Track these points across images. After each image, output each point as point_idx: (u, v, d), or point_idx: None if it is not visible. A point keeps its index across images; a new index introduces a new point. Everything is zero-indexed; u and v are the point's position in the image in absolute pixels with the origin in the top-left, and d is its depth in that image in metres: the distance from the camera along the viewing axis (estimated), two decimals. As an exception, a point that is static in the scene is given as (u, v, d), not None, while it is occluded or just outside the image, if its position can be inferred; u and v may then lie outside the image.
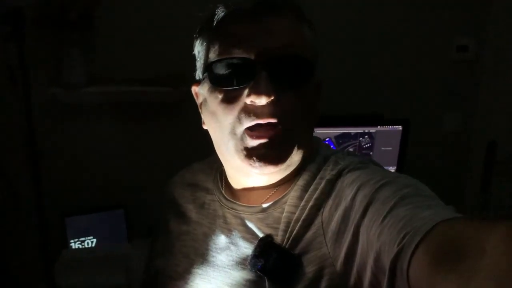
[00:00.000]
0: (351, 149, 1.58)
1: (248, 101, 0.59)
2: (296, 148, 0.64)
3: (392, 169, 1.63)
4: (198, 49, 0.67)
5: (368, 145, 1.59)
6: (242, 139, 0.61)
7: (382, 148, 1.60)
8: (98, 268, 1.40)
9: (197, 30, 0.67)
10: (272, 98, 0.58)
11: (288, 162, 0.63)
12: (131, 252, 1.41)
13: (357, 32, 1.67)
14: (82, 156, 1.58)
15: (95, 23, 1.38)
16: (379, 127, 1.58)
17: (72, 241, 1.55)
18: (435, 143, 1.83)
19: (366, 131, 1.57)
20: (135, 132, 1.58)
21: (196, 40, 0.68)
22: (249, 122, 0.60)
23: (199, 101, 0.71)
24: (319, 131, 1.54)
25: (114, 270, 1.36)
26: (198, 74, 0.69)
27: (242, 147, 0.61)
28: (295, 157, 0.64)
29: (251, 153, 0.61)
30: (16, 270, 1.57)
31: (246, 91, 0.60)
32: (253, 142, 0.60)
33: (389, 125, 1.59)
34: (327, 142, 1.56)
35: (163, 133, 1.61)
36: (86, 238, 1.57)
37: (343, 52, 1.66)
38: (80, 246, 1.56)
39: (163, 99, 1.53)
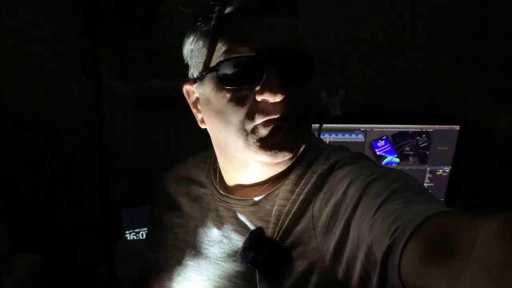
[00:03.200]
0: (407, 148, 1.56)
1: (259, 99, 0.59)
2: (304, 136, 0.66)
3: (447, 169, 1.60)
4: (191, 47, 0.66)
5: (425, 144, 1.56)
6: (253, 133, 0.61)
7: (439, 148, 1.57)
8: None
9: (190, 28, 0.66)
10: (285, 95, 0.59)
11: (295, 150, 0.64)
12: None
13: (418, 30, 1.63)
14: (139, 148, 1.60)
15: (159, 17, 1.38)
16: (436, 126, 1.55)
17: (127, 232, 1.58)
18: (490, 143, 1.79)
19: (424, 130, 1.55)
20: (192, 126, 1.59)
21: (188, 38, 0.67)
22: (261, 119, 0.60)
23: (191, 100, 0.71)
24: (376, 129, 1.53)
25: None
26: (192, 73, 0.68)
27: (254, 140, 0.61)
28: (299, 148, 0.66)
29: (264, 143, 0.61)
30: (79, 258, 1.61)
31: (256, 89, 0.60)
32: (265, 130, 0.60)
33: (447, 124, 1.56)
34: (383, 141, 1.54)
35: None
36: (141, 229, 1.60)
37: (403, 50, 1.63)
38: (135, 237, 1.59)
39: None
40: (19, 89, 1.53)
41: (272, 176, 0.68)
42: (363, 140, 1.53)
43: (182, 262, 0.71)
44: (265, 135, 0.61)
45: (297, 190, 0.64)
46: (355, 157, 0.66)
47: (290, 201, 0.64)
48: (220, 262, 0.67)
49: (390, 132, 1.54)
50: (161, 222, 0.79)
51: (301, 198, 0.63)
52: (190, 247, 0.72)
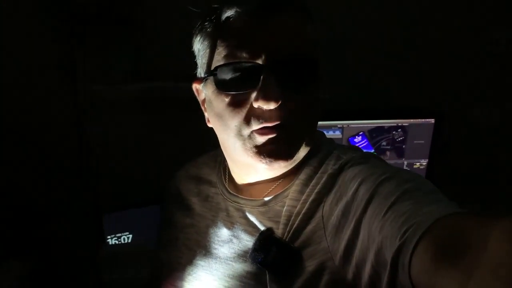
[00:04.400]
0: (384, 143, 1.59)
1: (255, 105, 0.59)
2: (302, 143, 0.65)
3: (424, 162, 1.63)
4: (198, 47, 0.67)
5: (401, 138, 1.59)
6: (250, 138, 0.61)
7: (415, 142, 1.60)
8: (136, 263, 1.42)
9: (197, 27, 0.66)
10: (280, 102, 0.58)
11: (295, 157, 0.64)
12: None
13: (390, 24, 1.66)
14: (120, 151, 1.59)
15: (140, 19, 1.37)
16: (412, 120, 1.58)
17: (109, 237, 1.57)
18: (467, 136, 1.82)
19: (399, 124, 1.57)
20: (176, 128, 1.59)
21: (196, 37, 0.67)
22: (257, 125, 0.60)
23: (200, 98, 0.72)
24: (353, 125, 1.55)
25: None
26: (200, 72, 0.69)
27: (250, 146, 0.62)
28: (301, 152, 0.66)
29: (260, 150, 0.61)
30: (64, 264, 1.59)
31: (253, 95, 0.59)
32: (262, 139, 0.60)
33: (422, 118, 1.59)
34: (360, 136, 1.57)
35: (204, 130, 1.61)
36: (122, 234, 1.59)
37: (376, 45, 1.66)
38: (117, 242, 1.58)
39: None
40: (3, 93, 1.50)
41: (280, 176, 0.68)
42: (340, 136, 1.55)
43: (193, 261, 0.72)
44: (261, 143, 0.61)
45: (307, 190, 0.64)
46: (365, 157, 0.66)
47: (300, 201, 0.64)
48: (230, 262, 0.67)
49: (366, 128, 1.56)
50: (172, 222, 0.80)
51: (311, 198, 0.63)
52: (201, 247, 0.72)
